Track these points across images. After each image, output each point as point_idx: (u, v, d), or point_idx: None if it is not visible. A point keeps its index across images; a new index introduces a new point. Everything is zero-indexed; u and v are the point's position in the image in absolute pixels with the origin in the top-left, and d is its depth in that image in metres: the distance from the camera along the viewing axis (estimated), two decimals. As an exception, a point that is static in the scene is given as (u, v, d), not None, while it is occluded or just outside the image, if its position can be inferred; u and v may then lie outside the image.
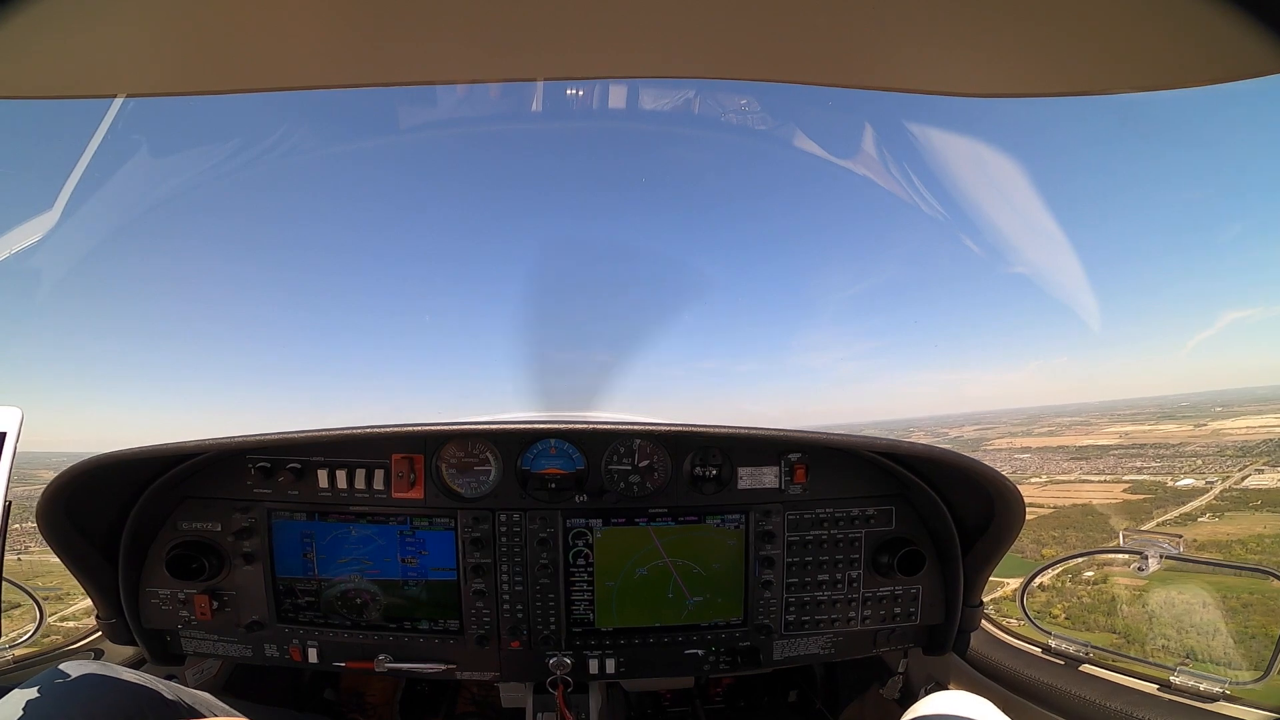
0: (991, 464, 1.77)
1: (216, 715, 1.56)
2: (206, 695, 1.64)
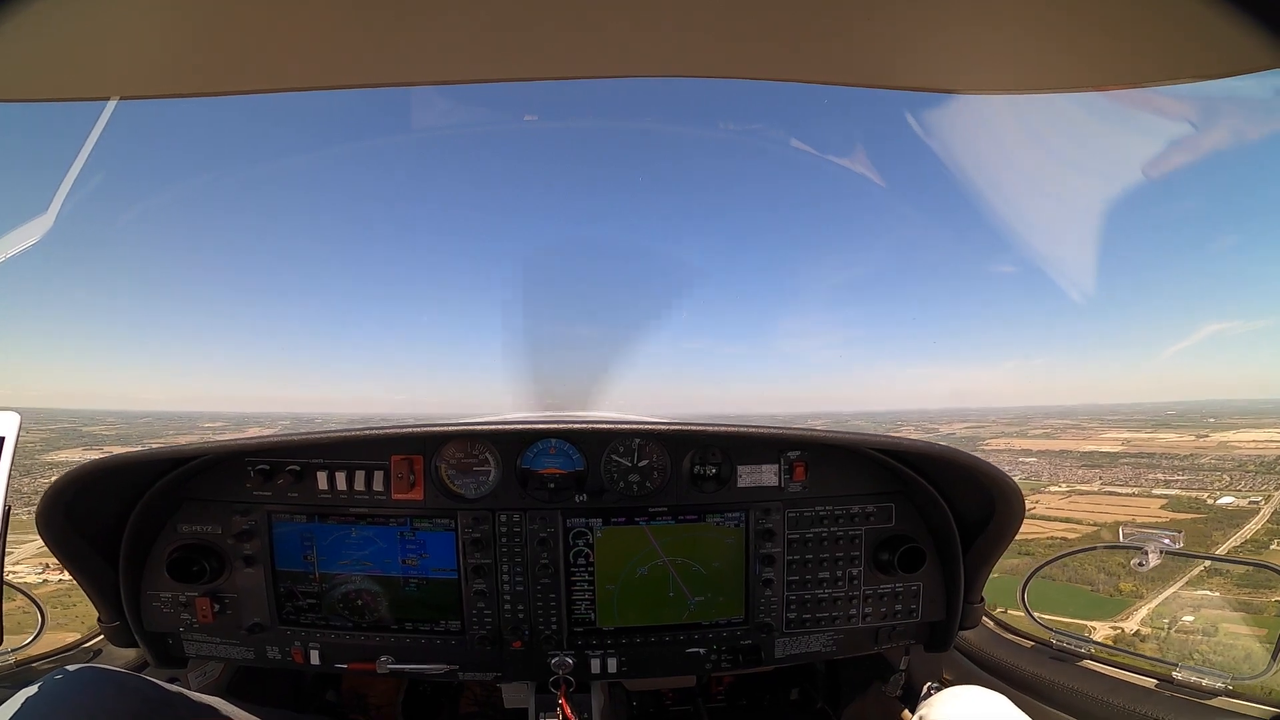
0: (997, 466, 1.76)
1: (220, 716, 1.56)
2: (209, 698, 1.64)
